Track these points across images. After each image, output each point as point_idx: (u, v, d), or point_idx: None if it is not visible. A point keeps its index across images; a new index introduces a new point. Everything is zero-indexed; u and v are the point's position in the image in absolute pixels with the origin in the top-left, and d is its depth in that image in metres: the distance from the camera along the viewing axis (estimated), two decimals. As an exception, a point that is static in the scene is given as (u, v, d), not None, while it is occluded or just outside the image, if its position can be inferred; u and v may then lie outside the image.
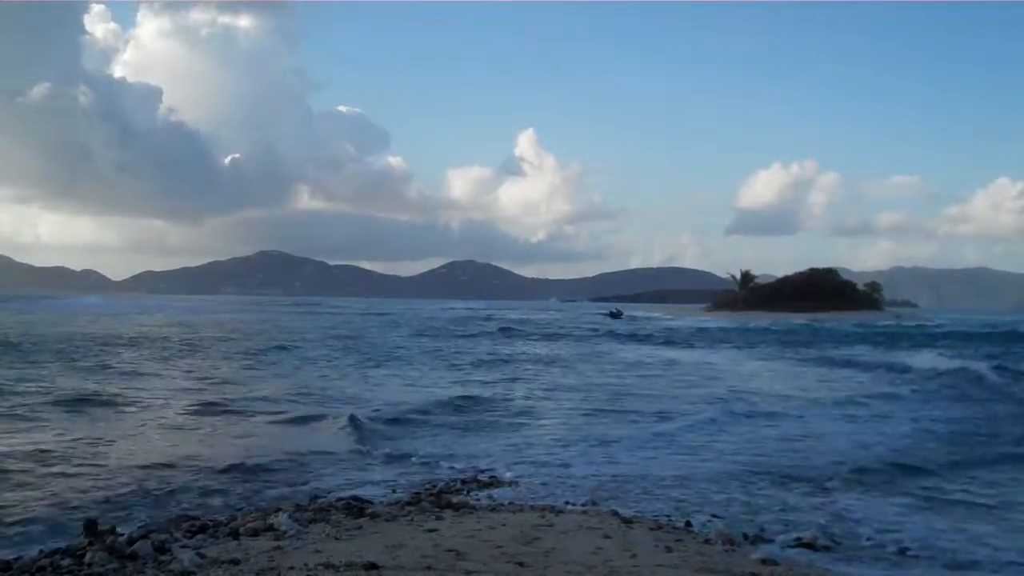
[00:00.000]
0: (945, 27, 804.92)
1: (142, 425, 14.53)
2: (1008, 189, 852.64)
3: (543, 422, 16.31)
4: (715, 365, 32.76)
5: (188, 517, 8.34)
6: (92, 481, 9.97)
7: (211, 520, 8.20)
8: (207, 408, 16.62)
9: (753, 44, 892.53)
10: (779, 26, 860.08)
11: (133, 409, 16.46)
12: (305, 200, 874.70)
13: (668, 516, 8.82)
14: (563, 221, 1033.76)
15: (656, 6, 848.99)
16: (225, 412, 16.28)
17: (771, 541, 7.88)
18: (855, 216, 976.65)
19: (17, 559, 6.84)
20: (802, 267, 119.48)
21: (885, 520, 8.84)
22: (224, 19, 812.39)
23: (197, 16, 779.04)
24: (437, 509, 8.58)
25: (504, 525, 7.78)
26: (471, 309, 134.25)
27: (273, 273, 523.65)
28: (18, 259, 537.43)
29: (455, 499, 9.28)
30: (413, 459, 12.18)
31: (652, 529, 7.99)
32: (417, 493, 9.68)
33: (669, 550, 7.07)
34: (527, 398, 20.24)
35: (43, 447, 11.88)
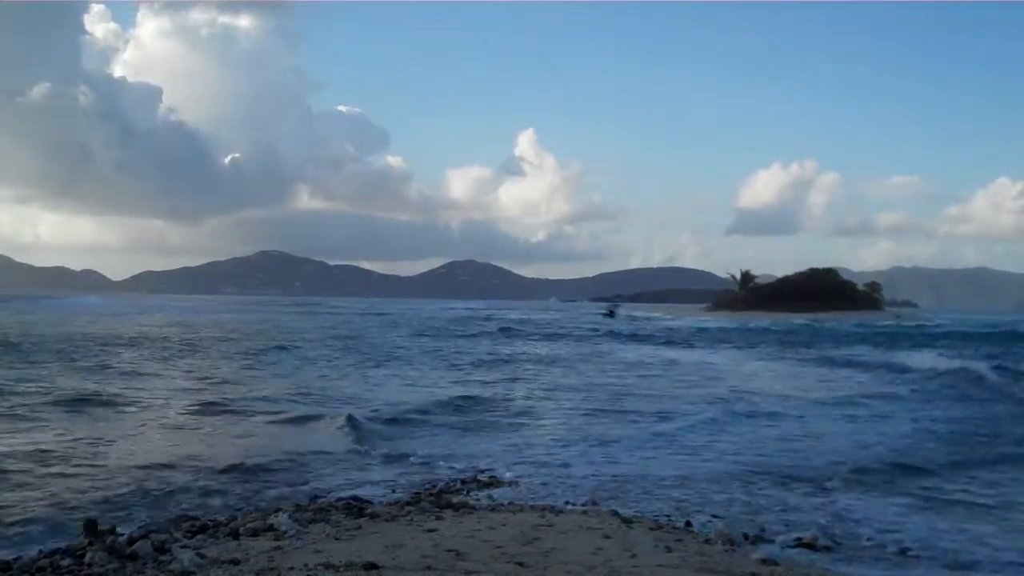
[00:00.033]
0: (945, 27, 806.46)
1: (142, 425, 14.52)
2: (1008, 189, 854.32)
3: (543, 422, 16.30)
4: (715, 365, 32.76)
5: (188, 517, 8.33)
6: (92, 481, 9.96)
7: (211, 520, 8.19)
8: (207, 408, 16.62)
9: (753, 44, 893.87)
10: (779, 26, 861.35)
11: (133, 409, 16.45)
12: (305, 200, 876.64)
13: (668, 516, 8.82)
14: (563, 221, 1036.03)
15: (656, 6, 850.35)
16: (225, 412, 16.27)
17: (771, 541, 7.87)
18: (855, 216, 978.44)
19: (17, 559, 6.84)
20: (802, 267, 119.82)
21: (885, 520, 8.83)
22: (224, 19, 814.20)
23: (197, 16, 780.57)
24: (437, 509, 8.58)
25: (504, 525, 7.77)
26: (471, 309, 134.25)
27: (273, 273, 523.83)
28: (18, 259, 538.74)
29: (455, 499, 9.27)
30: (413, 459, 12.17)
31: (652, 529, 7.98)
32: (417, 493, 9.67)
33: (669, 550, 7.06)
34: (527, 398, 20.23)
35: (43, 447, 11.87)
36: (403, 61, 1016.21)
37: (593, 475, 11.06)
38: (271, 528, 7.70)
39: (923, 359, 32.66)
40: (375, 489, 10.10)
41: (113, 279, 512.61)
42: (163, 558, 6.64)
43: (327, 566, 6.16)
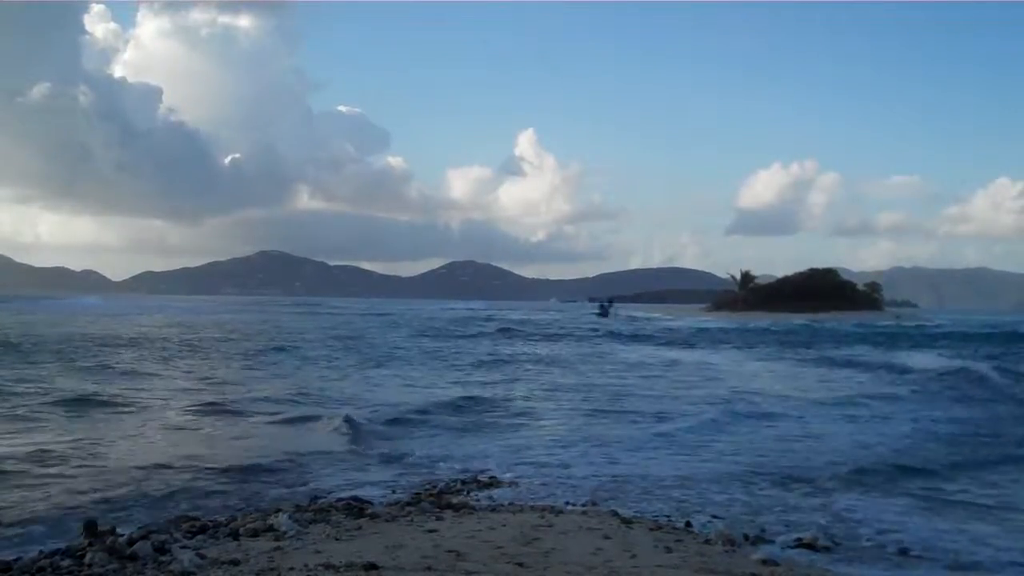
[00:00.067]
0: (945, 27, 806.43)
1: (142, 426, 14.52)
2: (1008, 189, 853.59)
3: (543, 422, 16.29)
4: (715, 365, 32.73)
5: (188, 518, 8.33)
6: (92, 482, 9.96)
7: (211, 521, 8.19)
8: (207, 409, 16.61)
9: (753, 44, 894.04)
10: (779, 26, 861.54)
11: (133, 410, 16.44)
12: (305, 200, 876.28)
13: (668, 516, 8.81)
14: (563, 221, 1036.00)
15: (656, 6, 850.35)
16: (225, 413, 16.26)
17: (771, 542, 7.87)
18: (855, 216, 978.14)
19: (17, 560, 6.83)
20: (802, 267, 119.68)
21: (886, 521, 8.82)
22: (224, 19, 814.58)
23: (197, 16, 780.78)
24: (437, 510, 8.57)
25: (504, 526, 7.77)
26: (471, 309, 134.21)
27: (273, 273, 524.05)
28: (18, 259, 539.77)
29: (455, 500, 9.27)
30: (412, 459, 12.17)
31: (652, 529, 7.98)
32: (417, 494, 9.67)
33: (669, 550, 7.06)
34: (527, 398, 20.21)
35: (43, 448, 11.86)
36: (403, 61, 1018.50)
37: (593, 475, 11.05)
38: (271, 528, 7.70)
39: (923, 359, 32.66)
40: (375, 490, 10.09)
41: (113, 279, 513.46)
42: (163, 558, 6.64)
43: (327, 566, 6.16)
